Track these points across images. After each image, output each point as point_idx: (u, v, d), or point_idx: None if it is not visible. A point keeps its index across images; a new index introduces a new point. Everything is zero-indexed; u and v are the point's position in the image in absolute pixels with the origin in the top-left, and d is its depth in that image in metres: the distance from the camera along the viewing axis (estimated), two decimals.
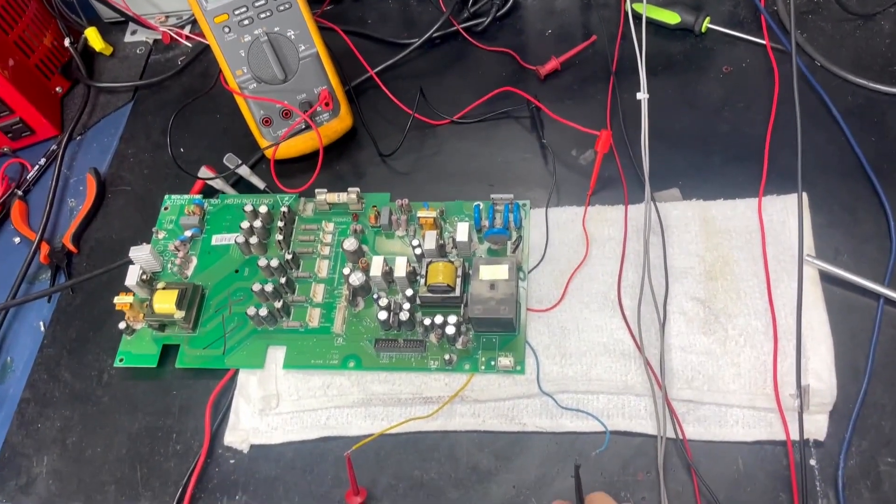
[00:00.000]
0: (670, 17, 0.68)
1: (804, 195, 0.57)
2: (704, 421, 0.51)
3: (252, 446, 0.55)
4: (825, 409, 0.50)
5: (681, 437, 0.50)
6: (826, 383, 0.50)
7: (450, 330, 0.54)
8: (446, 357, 0.55)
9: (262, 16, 0.62)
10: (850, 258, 0.55)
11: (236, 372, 0.58)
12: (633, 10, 0.67)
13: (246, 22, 0.62)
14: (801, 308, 0.50)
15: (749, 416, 0.51)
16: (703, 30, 0.68)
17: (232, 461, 0.55)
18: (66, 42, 0.78)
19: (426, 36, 0.71)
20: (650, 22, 0.68)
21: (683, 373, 0.52)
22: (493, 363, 0.54)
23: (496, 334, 0.55)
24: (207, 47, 0.77)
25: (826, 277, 0.54)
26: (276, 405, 0.56)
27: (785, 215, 0.57)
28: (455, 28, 0.72)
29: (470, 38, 0.72)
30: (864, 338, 0.52)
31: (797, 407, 0.48)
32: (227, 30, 0.62)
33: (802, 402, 0.48)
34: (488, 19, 0.73)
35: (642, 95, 0.55)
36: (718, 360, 0.53)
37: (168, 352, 0.59)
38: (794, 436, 0.49)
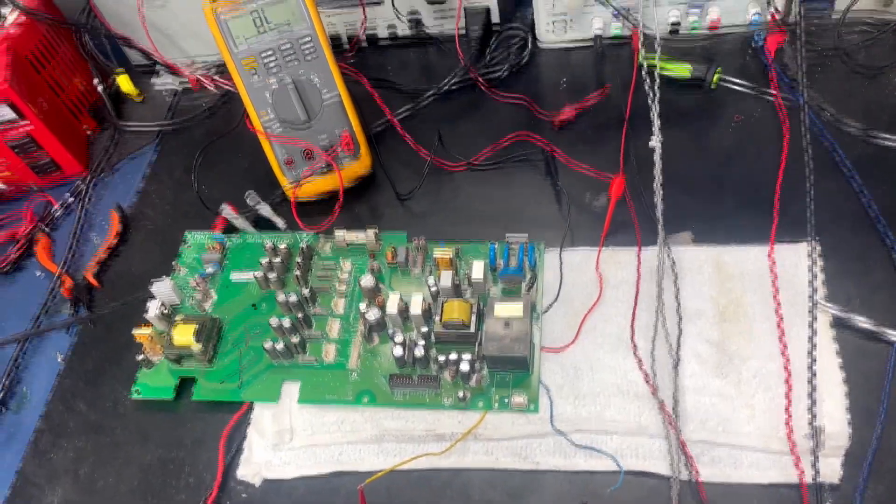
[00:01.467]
0: (682, 70, 0.70)
1: (816, 242, 0.58)
2: (719, 462, 0.51)
3: (264, 480, 0.55)
4: (839, 453, 0.49)
5: (695, 478, 0.50)
6: (840, 426, 0.50)
7: (464, 367, 0.55)
8: (460, 394, 0.55)
9: (289, 61, 0.65)
10: (862, 305, 0.56)
11: (251, 406, 0.58)
12: (646, 63, 0.69)
13: (273, 67, 0.65)
14: (815, 349, 0.50)
15: (763, 459, 0.50)
16: (714, 82, 0.70)
17: (244, 495, 0.55)
18: (97, 85, 0.81)
19: (444, 84, 0.73)
20: (662, 75, 0.70)
21: (697, 414, 0.53)
22: (506, 401, 0.55)
23: (510, 373, 0.56)
24: (232, 92, 0.80)
25: (838, 323, 0.55)
26: (290, 440, 0.56)
27: (796, 261, 0.58)
28: (472, 78, 0.75)
29: (487, 88, 0.75)
30: (877, 383, 0.52)
31: (812, 447, 0.48)
32: (254, 74, 0.65)
33: (818, 443, 0.48)
34: (505, 70, 0.75)
35: (655, 141, 0.57)
36: (732, 402, 0.53)
37: (184, 384, 0.60)
38: (809, 478, 0.48)
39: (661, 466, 0.51)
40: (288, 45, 0.64)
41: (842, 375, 0.52)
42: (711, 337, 0.56)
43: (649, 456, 0.52)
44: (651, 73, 0.61)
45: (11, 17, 0.73)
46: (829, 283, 0.57)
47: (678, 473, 0.50)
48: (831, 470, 0.49)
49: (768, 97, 0.68)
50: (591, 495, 0.51)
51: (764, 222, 0.60)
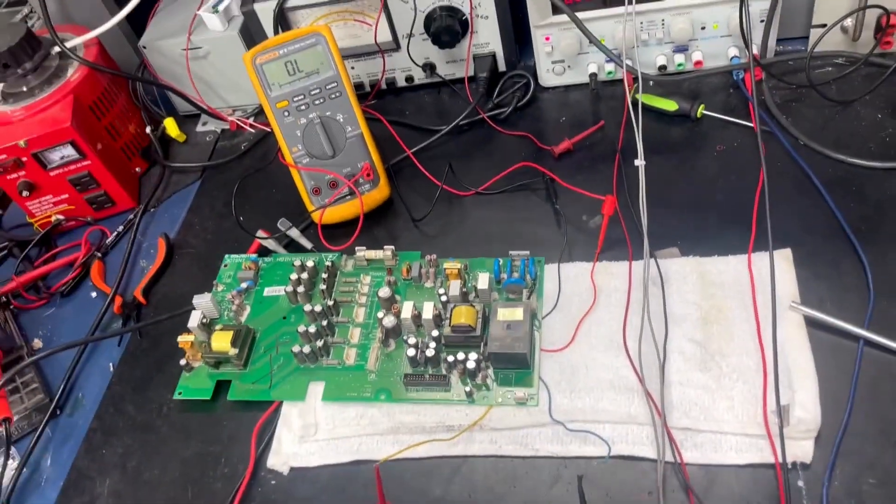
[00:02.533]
0: (669, 105, 0.78)
1: (789, 251, 0.64)
2: (701, 447, 0.56)
3: (291, 469, 0.61)
4: (811, 436, 0.54)
5: (679, 461, 0.55)
6: (811, 413, 0.55)
7: (471, 365, 0.61)
8: (467, 390, 0.61)
9: (317, 102, 0.73)
10: (833, 306, 0.61)
11: (280, 404, 0.65)
12: (635, 99, 0.77)
13: (303, 107, 0.73)
14: (776, 334, 0.56)
15: (742, 443, 0.55)
16: (699, 115, 0.77)
17: (273, 482, 0.61)
18: (147, 130, 0.90)
19: (455, 123, 0.81)
20: (651, 109, 0.78)
21: (682, 405, 0.58)
22: (509, 396, 0.61)
23: (512, 371, 0.62)
24: (267, 134, 0.89)
25: (811, 323, 0.60)
26: (315, 433, 0.63)
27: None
28: (481, 116, 0.83)
29: (493, 125, 0.82)
30: (846, 375, 0.57)
31: (778, 423, 0.53)
32: (286, 113, 0.73)
33: (782, 420, 0.53)
34: (510, 109, 0.83)
35: (639, 162, 0.64)
36: (714, 394, 0.58)
37: (220, 386, 0.67)
38: (782, 460, 0.53)
39: (648, 451, 0.56)
40: (316, 89, 0.73)
41: (814, 368, 0.57)
42: (695, 337, 0.61)
43: (638, 442, 0.57)
44: (636, 103, 0.69)
45: (77, 73, 0.83)
46: (802, 286, 0.62)
47: (664, 456, 0.55)
48: (803, 451, 0.54)
49: (748, 125, 0.75)
50: (585, 477, 0.56)
51: (743, 236, 0.66)
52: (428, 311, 0.64)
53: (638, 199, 0.65)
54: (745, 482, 0.54)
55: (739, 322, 0.62)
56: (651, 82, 0.80)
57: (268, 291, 0.72)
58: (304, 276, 0.70)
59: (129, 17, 0.83)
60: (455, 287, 0.65)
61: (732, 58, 0.78)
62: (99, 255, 0.82)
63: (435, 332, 0.64)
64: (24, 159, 0.80)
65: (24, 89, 0.81)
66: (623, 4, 0.75)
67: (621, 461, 0.57)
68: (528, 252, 0.68)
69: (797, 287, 0.62)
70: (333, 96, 0.74)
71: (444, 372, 0.63)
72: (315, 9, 0.82)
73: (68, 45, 0.82)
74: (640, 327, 0.62)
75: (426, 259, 0.70)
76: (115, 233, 0.85)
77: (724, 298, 0.63)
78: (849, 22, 0.75)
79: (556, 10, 0.78)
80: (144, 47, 0.88)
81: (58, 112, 0.80)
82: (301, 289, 0.69)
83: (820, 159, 0.71)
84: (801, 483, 0.53)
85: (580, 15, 0.74)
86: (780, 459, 0.53)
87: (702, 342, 0.61)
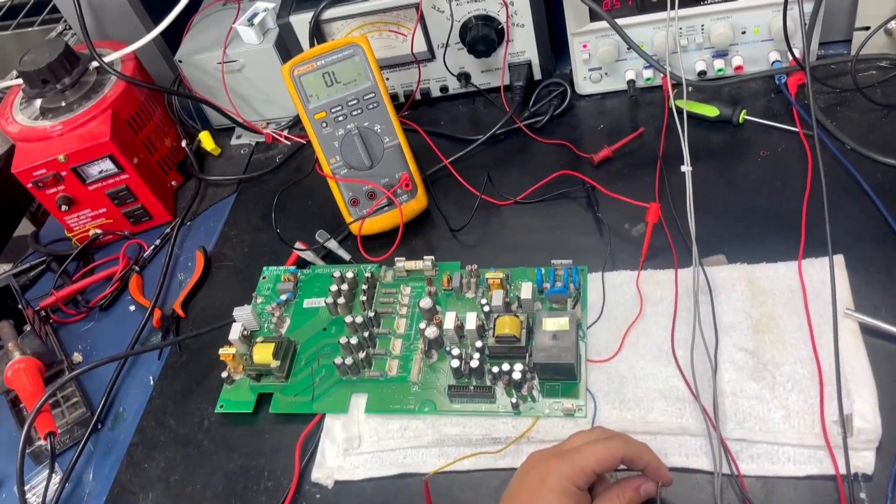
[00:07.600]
0: (710, 111, 0.76)
1: (841, 257, 0.63)
2: (757, 458, 0.54)
3: (336, 482, 0.61)
4: (872, 446, 0.53)
5: (736, 473, 0.54)
6: (871, 422, 0.53)
7: (516, 376, 0.60)
8: (513, 401, 0.60)
9: (354, 113, 0.73)
10: (889, 313, 0.59)
11: (323, 416, 0.64)
12: (676, 105, 0.75)
13: (340, 118, 0.73)
14: (838, 333, 0.54)
15: (799, 454, 0.54)
16: (741, 121, 0.76)
17: (318, 496, 0.60)
18: (183, 143, 0.91)
19: (491, 132, 0.81)
20: (692, 115, 0.77)
21: (735, 415, 0.56)
22: (556, 407, 0.59)
23: (559, 381, 0.61)
24: (302, 146, 0.89)
25: (866, 330, 0.58)
26: (359, 446, 0.62)
27: (823, 276, 0.62)
28: (517, 125, 0.82)
29: (530, 134, 0.82)
30: None
31: (841, 434, 0.51)
32: (324, 125, 0.73)
33: (846, 429, 0.51)
34: (546, 117, 0.82)
35: (686, 168, 0.63)
36: (768, 404, 0.56)
37: (262, 399, 0.66)
38: (844, 471, 0.52)
39: (703, 463, 0.55)
40: (354, 99, 0.73)
41: (871, 376, 0.55)
42: (746, 346, 0.60)
43: (692, 453, 0.56)
44: (680, 110, 0.68)
45: (115, 88, 0.83)
46: (856, 293, 0.61)
47: (720, 469, 0.54)
48: (865, 462, 0.52)
49: (793, 131, 0.74)
50: None
51: (792, 243, 0.65)
52: (471, 322, 0.63)
53: (681, 206, 0.64)
54: (803, 494, 0.52)
55: (792, 330, 0.60)
56: (691, 88, 0.79)
57: (308, 303, 0.72)
58: (344, 287, 0.70)
59: (164, 31, 0.83)
60: (498, 297, 0.65)
61: (774, 62, 0.77)
62: (137, 268, 0.83)
63: (478, 343, 0.63)
64: (64, 174, 0.80)
65: (63, 104, 0.82)
66: (662, 10, 0.75)
67: (674, 473, 0.55)
68: (570, 261, 0.67)
69: (851, 294, 0.61)
70: (371, 107, 0.73)
71: (488, 383, 0.62)
72: (350, 20, 0.82)
73: (106, 60, 0.82)
74: (688, 336, 0.61)
75: (467, 269, 0.69)
76: (153, 246, 0.85)
77: (775, 306, 0.62)
78: (893, 24, 0.74)
79: (593, 17, 0.77)
80: (180, 61, 0.89)
81: (96, 126, 0.80)
82: (341, 300, 0.69)
83: (868, 164, 0.69)
84: (863, 495, 0.51)
85: (618, 22, 0.73)
86: (844, 471, 0.51)
87: (753, 351, 0.60)
